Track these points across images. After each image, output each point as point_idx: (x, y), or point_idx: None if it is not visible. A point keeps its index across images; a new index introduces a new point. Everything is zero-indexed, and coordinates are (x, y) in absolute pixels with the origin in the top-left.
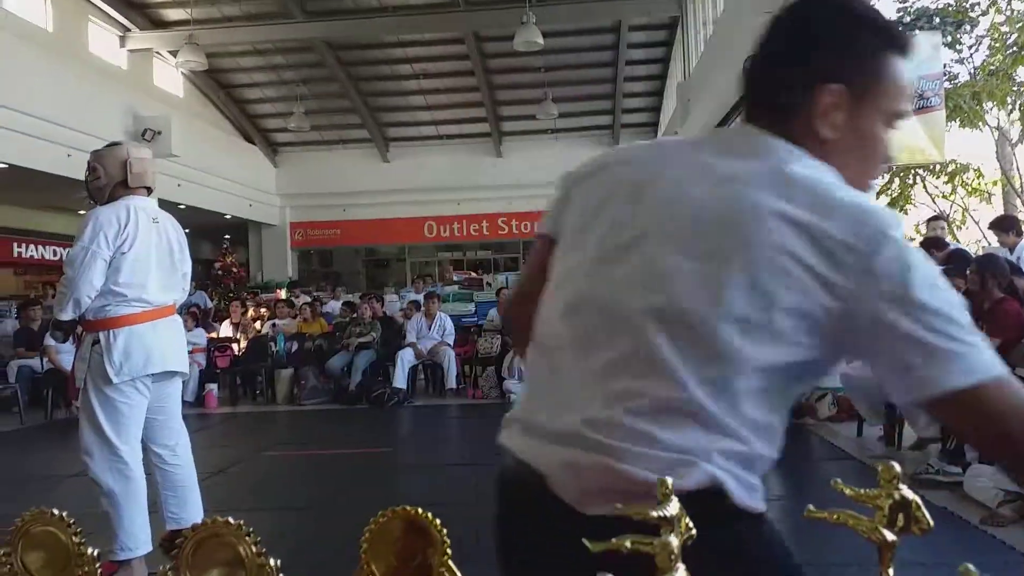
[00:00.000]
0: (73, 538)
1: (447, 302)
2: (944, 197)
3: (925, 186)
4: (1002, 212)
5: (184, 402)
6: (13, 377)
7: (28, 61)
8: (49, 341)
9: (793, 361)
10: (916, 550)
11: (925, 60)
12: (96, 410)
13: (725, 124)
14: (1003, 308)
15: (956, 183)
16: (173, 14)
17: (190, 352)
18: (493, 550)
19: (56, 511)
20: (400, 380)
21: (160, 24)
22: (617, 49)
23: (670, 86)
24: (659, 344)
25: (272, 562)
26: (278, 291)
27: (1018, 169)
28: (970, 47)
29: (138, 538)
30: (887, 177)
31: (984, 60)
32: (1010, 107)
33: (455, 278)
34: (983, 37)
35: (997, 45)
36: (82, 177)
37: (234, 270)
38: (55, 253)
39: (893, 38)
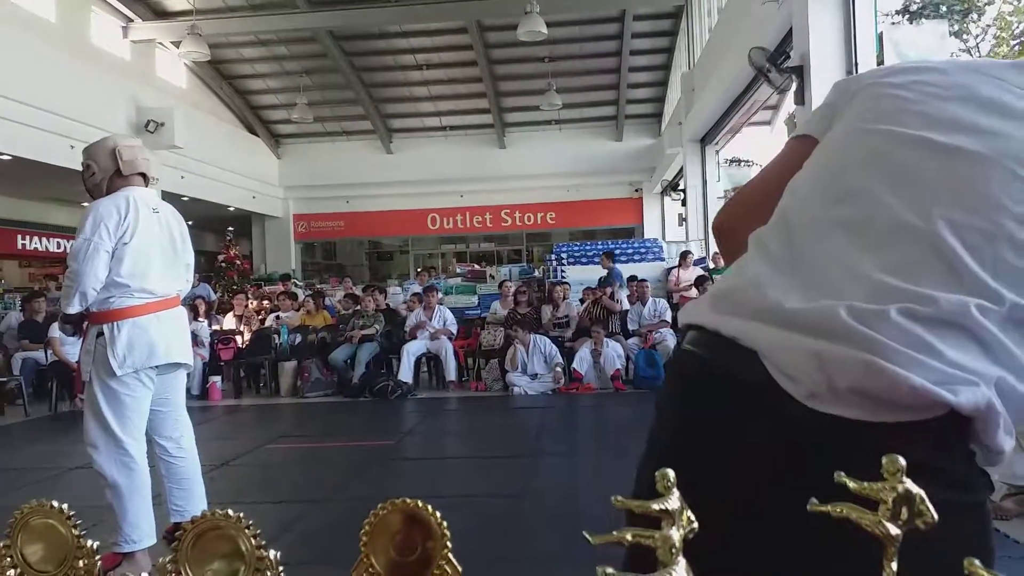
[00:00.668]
0: (73, 530)
1: (450, 294)
2: None
3: None
4: None
5: (188, 394)
6: (18, 369)
7: (31, 52)
8: (53, 333)
9: None
10: None
11: (931, 49)
12: (100, 402)
13: (730, 115)
14: None
15: None
16: (175, 4)
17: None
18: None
19: (56, 503)
20: (406, 373)
21: (163, 14)
22: (621, 39)
23: (674, 76)
24: (962, 255)
25: (272, 555)
26: (282, 283)
27: None
28: (976, 36)
29: (142, 530)
30: None
31: (991, 49)
32: None
33: (458, 270)
34: (989, 26)
35: (1004, 35)
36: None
37: (238, 262)
38: (59, 245)
39: None
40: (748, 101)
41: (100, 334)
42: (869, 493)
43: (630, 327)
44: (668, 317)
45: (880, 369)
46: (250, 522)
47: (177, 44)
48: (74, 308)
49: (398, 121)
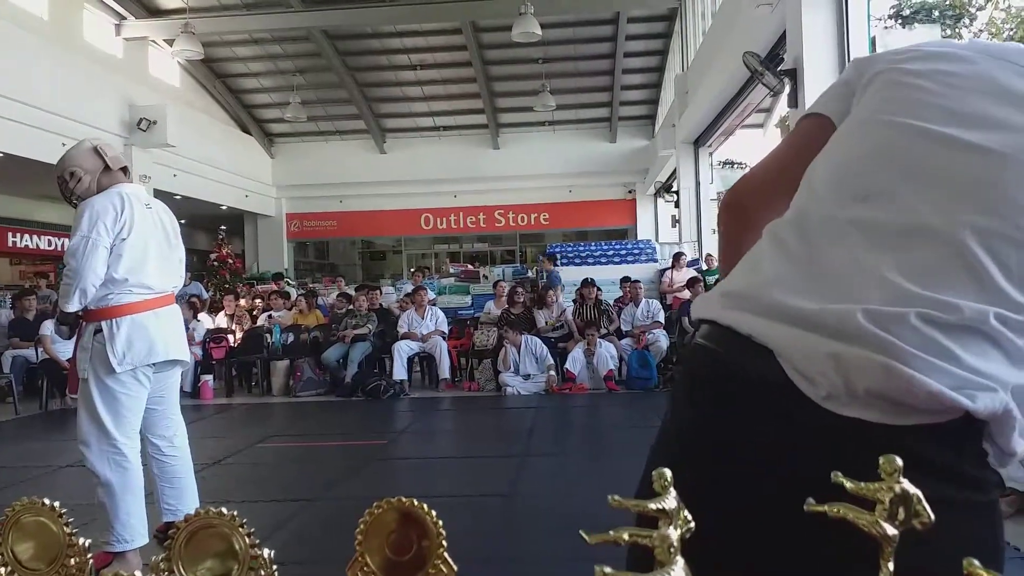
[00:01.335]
0: (64, 528)
1: (443, 294)
2: None
3: None
4: None
5: (180, 392)
6: (8, 367)
7: (23, 49)
8: (44, 331)
9: None
10: None
11: None
12: (95, 400)
13: (723, 117)
14: None
15: None
16: (169, 2)
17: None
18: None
19: (47, 501)
20: (399, 372)
21: (156, 12)
22: (615, 41)
23: (668, 78)
24: (985, 263)
25: (265, 553)
26: (275, 283)
27: None
28: None
29: (134, 529)
30: None
31: None
32: None
33: (451, 270)
34: (981, 31)
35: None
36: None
37: (230, 261)
38: (50, 243)
39: None
40: (741, 104)
41: (98, 331)
42: (866, 493)
43: (623, 328)
44: (661, 318)
45: (898, 373)
46: (243, 520)
47: (170, 42)
48: (74, 306)
49: (392, 121)
